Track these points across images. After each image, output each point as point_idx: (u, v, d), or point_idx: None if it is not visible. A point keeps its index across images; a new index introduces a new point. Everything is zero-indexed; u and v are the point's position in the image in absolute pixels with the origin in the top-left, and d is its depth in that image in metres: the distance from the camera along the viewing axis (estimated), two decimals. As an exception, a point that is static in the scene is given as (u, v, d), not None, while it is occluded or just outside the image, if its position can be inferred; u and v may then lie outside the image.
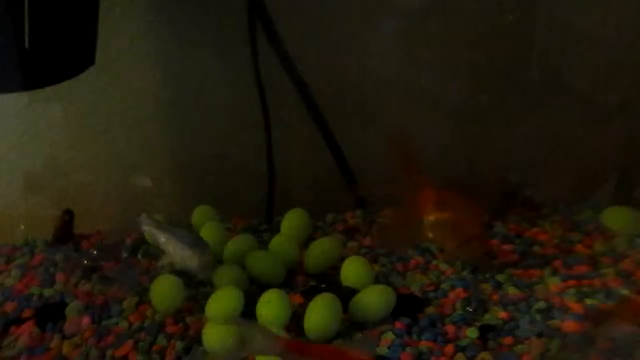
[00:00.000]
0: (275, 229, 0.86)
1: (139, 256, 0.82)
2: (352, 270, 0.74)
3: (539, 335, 0.63)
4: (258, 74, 0.89)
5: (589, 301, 0.67)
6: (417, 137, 0.72)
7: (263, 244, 0.81)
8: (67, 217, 0.79)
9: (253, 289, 0.73)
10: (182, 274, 0.75)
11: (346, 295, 0.70)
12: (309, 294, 0.70)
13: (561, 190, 0.72)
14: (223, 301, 0.67)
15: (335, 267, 0.76)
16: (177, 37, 0.91)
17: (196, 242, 0.73)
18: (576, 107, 0.75)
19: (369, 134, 0.92)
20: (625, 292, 0.57)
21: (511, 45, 0.79)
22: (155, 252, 0.83)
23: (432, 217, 0.73)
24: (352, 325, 0.68)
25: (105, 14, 0.75)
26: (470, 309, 0.69)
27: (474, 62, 0.80)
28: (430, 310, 0.70)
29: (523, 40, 0.79)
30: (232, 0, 0.87)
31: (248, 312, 0.69)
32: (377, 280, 0.75)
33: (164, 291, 0.71)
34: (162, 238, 0.74)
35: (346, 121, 0.94)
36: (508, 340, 0.63)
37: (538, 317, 0.66)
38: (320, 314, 0.66)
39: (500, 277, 0.74)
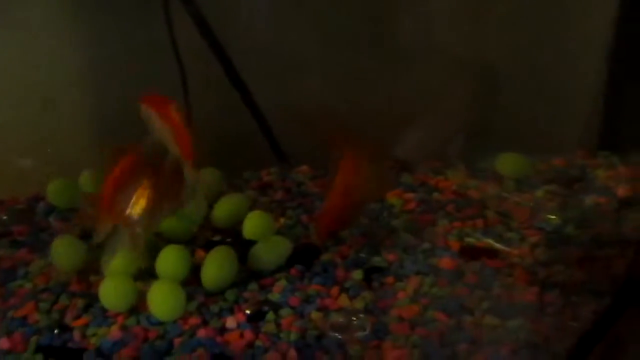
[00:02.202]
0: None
1: (51, 219, 0.84)
2: (252, 224, 0.77)
3: (418, 273, 0.67)
4: (173, 37, 0.89)
5: (467, 239, 0.71)
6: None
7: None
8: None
9: (162, 245, 0.75)
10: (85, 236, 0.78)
11: (245, 247, 0.73)
12: (209, 248, 0.73)
13: (423, 148, 0.75)
14: (117, 258, 0.69)
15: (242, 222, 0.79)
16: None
17: None
18: (440, 66, 0.78)
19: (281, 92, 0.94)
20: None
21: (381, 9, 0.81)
22: (67, 215, 0.85)
23: None
24: (249, 274, 0.71)
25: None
26: (363, 255, 0.72)
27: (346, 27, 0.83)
28: (327, 257, 0.73)
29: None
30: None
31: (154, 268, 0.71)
32: (280, 232, 0.78)
33: (64, 252, 0.73)
34: None
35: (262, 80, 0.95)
36: (390, 280, 0.67)
37: (421, 257, 0.70)
38: (215, 266, 0.69)
39: (395, 223, 0.78)
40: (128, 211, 0.67)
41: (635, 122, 0.79)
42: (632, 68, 0.82)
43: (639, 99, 0.79)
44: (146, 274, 0.71)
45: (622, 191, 0.75)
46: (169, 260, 0.70)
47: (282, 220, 0.82)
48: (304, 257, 0.73)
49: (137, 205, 0.67)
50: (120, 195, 0.67)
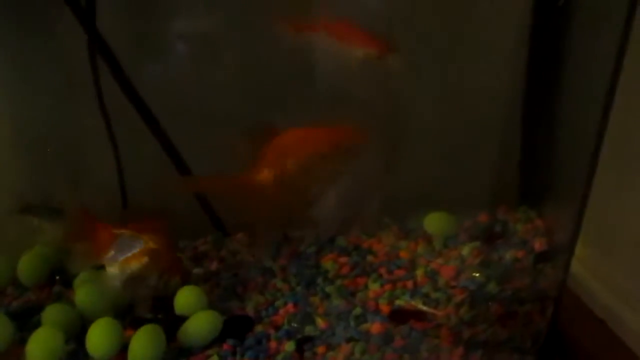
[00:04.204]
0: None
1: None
2: (184, 299, 0.75)
3: (349, 340, 0.67)
4: (102, 102, 0.89)
5: (397, 302, 0.72)
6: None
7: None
8: None
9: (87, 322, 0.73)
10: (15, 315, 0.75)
11: (175, 323, 0.71)
12: (137, 325, 0.71)
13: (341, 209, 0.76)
14: (42, 341, 0.67)
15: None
16: (15, 66, 0.90)
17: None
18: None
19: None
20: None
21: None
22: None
23: None
24: (180, 352, 0.69)
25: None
26: (295, 324, 0.72)
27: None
28: (259, 328, 0.72)
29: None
30: (72, 29, 0.87)
31: (80, 350, 0.69)
32: (214, 304, 0.77)
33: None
34: None
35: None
36: (322, 349, 0.67)
37: (353, 323, 0.70)
38: (142, 345, 0.67)
39: (329, 289, 0.78)
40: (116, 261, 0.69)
41: (550, 174, 0.83)
42: (543, 119, 0.86)
43: (552, 150, 0.83)
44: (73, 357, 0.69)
45: (538, 245, 0.77)
46: (97, 335, 0.67)
47: (217, 291, 0.81)
48: (236, 329, 0.72)
49: (129, 263, 0.69)
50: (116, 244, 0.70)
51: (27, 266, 0.81)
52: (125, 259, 0.71)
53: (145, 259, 0.71)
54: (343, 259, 0.85)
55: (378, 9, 0.76)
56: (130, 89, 0.89)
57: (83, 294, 0.74)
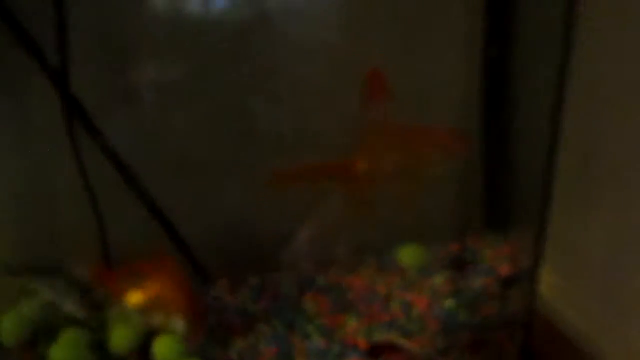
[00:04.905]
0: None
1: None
2: (162, 348, 0.76)
3: (329, 377, 0.68)
4: (79, 158, 0.91)
5: (375, 336, 0.73)
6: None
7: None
8: None
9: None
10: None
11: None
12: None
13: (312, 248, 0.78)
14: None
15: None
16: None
17: None
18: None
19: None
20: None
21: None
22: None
23: None
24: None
25: None
26: (278, 365, 0.73)
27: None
28: (241, 372, 0.73)
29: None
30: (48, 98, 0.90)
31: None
32: (197, 351, 0.78)
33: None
34: None
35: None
36: (302, 388, 0.68)
37: (332, 360, 0.72)
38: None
39: (309, 328, 0.79)
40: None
41: (513, 200, 0.86)
42: (503, 147, 0.90)
43: (514, 175, 0.86)
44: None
45: (504, 270, 0.80)
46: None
47: (199, 338, 0.82)
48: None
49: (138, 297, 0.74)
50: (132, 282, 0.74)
51: (9, 326, 0.82)
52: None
53: (146, 297, 0.75)
54: (323, 298, 0.87)
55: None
56: (106, 146, 0.91)
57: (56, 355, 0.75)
